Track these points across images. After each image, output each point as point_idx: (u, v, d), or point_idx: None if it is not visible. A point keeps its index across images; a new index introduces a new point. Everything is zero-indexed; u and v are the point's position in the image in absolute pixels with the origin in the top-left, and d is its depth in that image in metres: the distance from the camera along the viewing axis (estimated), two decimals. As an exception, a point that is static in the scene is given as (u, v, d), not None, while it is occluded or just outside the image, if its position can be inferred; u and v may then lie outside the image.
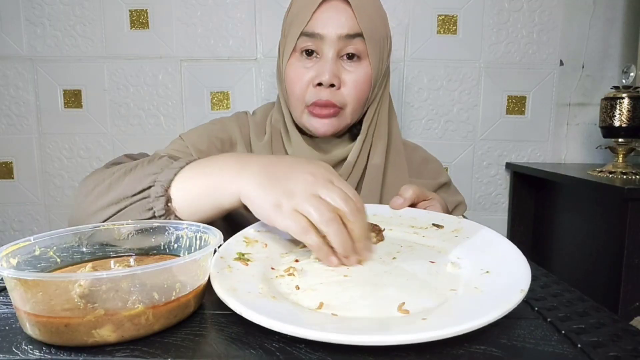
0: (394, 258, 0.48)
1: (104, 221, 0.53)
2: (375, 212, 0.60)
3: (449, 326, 0.32)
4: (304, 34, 0.72)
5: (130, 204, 0.53)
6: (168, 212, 0.52)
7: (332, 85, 0.71)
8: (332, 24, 0.71)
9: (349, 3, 0.71)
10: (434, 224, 0.55)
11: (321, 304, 0.38)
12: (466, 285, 0.40)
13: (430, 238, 0.53)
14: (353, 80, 0.72)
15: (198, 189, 0.52)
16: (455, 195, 0.87)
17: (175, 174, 0.53)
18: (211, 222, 0.50)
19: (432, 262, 0.46)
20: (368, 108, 0.79)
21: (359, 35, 0.71)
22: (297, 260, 0.48)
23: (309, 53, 0.73)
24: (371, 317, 0.36)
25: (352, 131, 0.80)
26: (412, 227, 0.56)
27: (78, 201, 0.58)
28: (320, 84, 0.71)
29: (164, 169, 0.54)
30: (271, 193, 0.46)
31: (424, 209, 0.62)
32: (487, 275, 0.41)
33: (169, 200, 0.52)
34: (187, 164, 0.54)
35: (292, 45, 0.73)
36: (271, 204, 0.46)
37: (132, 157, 0.65)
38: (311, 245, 0.45)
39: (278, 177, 0.48)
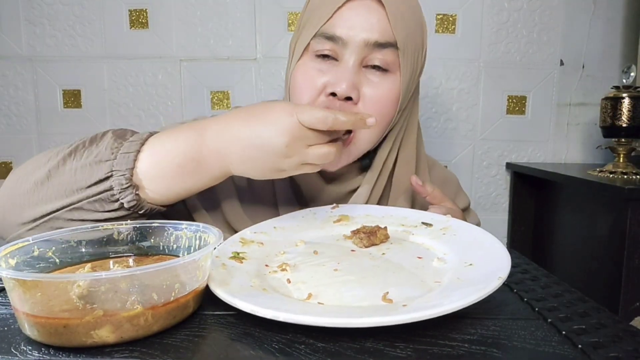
0: (383, 254, 0.49)
1: (47, 214, 0.49)
2: (368, 212, 0.61)
3: (424, 309, 0.33)
4: (321, 33, 0.59)
5: (87, 198, 0.48)
6: (140, 202, 0.49)
7: (349, 99, 0.58)
8: (360, 25, 0.57)
9: (382, 3, 0.58)
10: (423, 223, 0.57)
11: (310, 295, 0.39)
12: (450, 277, 0.42)
13: (419, 236, 0.54)
14: (375, 96, 0.59)
15: (174, 175, 0.49)
16: (473, 217, 0.79)
17: (135, 160, 0.48)
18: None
19: (420, 258, 0.48)
20: (387, 135, 0.65)
21: (392, 45, 0.59)
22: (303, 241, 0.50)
23: (325, 59, 0.60)
24: (355, 305, 0.37)
25: (364, 161, 0.67)
26: (403, 225, 0.57)
27: (5, 192, 0.51)
28: (333, 94, 0.58)
29: (116, 153, 0.49)
30: (263, 167, 0.49)
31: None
32: (470, 267, 0.43)
33: (136, 188, 0.48)
34: (142, 144, 0.50)
35: (304, 44, 0.60)
36: (269, 173, 0.50)
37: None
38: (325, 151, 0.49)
39: (256, 154, 0.49)
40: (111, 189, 0.48)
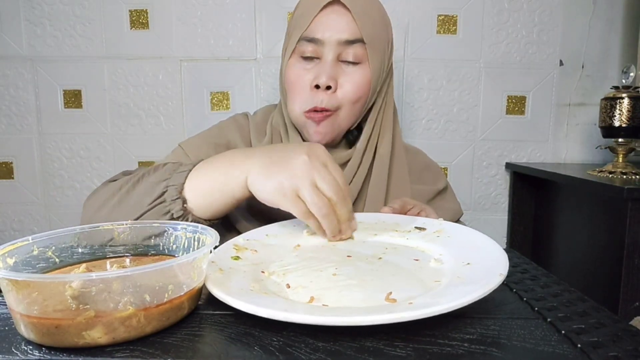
0: (380, 258, 0.50)
1: None
2: (360, 220, 0.62)
3: (432, 306, 0.33)
4: (303, 38, 0.72)
5: (146, 212, 0.56)
6: (185, 213, 0.56)
7: (329, 88, 0.72)
8: (332, 28, 0.71)
9: (348, 9, 0.71)
10: (416, 227, 0.58)
11: (312, 298, 0.39)
12: (449, 277, 0.42)
13: (414, 240, 0.55)
14: (350, 83, 0.73)
15: (210, 183, 0.57)
16: (452, 202, 0.88)
17: (186, 177, 0.57)
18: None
19: (416, 260, 0.49)
20: (370, 112, 0.78)
21: (359, 40, 0.71)
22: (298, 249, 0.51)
23: (310, 58, 0.73)
24: (360, 306, 0.38)
25: (348, 138, 0.81)
26: (396, 231, 0.58)
27: (88, 218, 0.61)
28: (317, 87, 0.71)
29: (173, 173, 0.58)
30: (273, 178, 0.52)
31: (417, 213, 0.66)
32: (468, 266, 0.43)
33: (184, 201, 0.56)
34: (194, 165, 0.58)
35: (292, 48, 0.74)
36: (274, 188, 0.51)
37: (129, 173, 0.67)
38: (311, 225, 0.53)
39: (277, 162, 0.53)
40: (165, 201, 0.56)
